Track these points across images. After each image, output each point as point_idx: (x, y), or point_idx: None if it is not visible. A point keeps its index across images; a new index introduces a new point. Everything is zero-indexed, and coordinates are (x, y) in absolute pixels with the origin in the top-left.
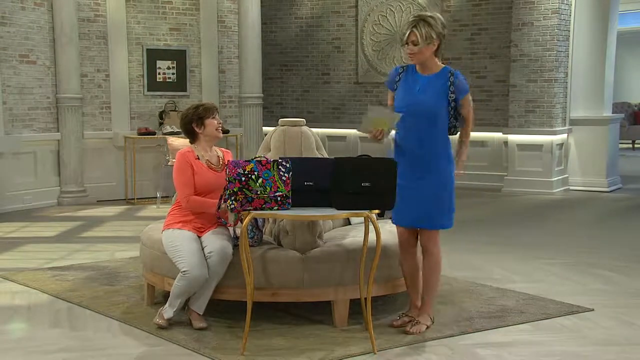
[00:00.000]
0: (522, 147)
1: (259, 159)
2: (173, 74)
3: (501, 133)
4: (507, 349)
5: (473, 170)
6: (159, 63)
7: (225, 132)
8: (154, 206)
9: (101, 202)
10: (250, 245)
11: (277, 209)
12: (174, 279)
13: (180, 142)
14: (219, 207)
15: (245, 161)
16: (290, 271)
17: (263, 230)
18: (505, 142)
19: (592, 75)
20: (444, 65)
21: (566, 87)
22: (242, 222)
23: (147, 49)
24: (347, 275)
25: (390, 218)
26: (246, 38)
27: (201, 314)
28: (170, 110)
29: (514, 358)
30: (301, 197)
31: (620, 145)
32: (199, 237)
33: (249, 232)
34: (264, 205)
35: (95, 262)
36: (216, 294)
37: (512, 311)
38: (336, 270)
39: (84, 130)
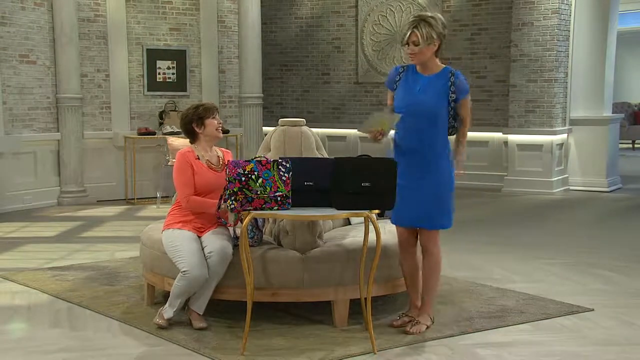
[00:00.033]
0: (522, 147)
1: (259, 159)
2: (173, 74)
3: (501, 133)
4: (507, 349)
5: (473, 170)
6: (159, 63)
7: (225, 132)
8: (154, 206)
9: (101, 202)
10: (250, 245)
11: (277, 209)
12: (174, 279)
13: (180, 142)
14: (219, 207)
15: (245, 161)
16: (290, 271)
17: (263, 230)
18: (505, 142)
19: (592, 75)
20: (444, 66)
21: (566, 87)
22: (242, 222)
23: (147, 49)
24: (347, 275)
25: (390, 218)
26: (246, 38)
27: (201, 314)
28: (170, 110)
29: (514, 358)
30: (301, 197)
31: (620, 145)
32: (199, 237)
33: (249, 232)
34: (264, 205)
35: (95, 262)
36: (216, 294)
37: (512, 311)
38: (336, 270)
39: (84, 130)
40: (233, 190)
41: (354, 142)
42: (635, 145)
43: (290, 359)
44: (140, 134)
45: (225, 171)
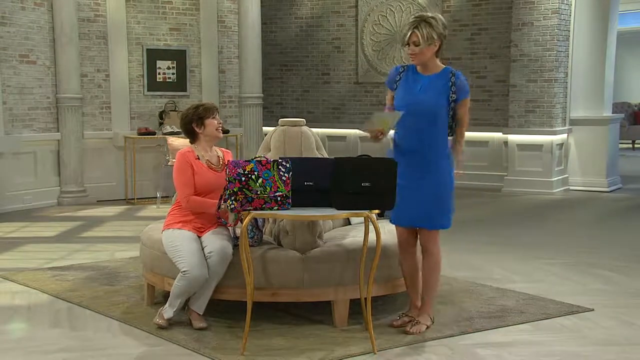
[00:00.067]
0: (522, 147)
1: (259, 159)
2: (173, 74)
3: (501, 133)
4: (507, 349)
5: (473, 170)
6: (159, 63)
7: (225, 132)
8: (154, 206)
9: (101, 202)
10: (250, 245)
11: (277, 209)
12: (174, 279)
13: (180, 142)
14: (219, 207)
15: (245, 161)
16: (290, 271)
17: (263, 230)
18: (505, 142)
19: (592, 75)
20: (444, 66)
21: (566, 87)
22: (242, 222)
23: (147, 49)
24: (347, 275)
25: (389, 218)
26: (246, 38)
27: (201, 314)
28: (170, 110)
29: (514, 358)
30: (301, 197)
31: (620, 145)
32: (199, 237)
33: (249, 232)
34: (264, 205)
35: (95, 262)
36: (216, 294)
37: (512, 311)
38: (336, 270)
39: (84, 130)
40: (233, 190)
41: (354, 142)
42: (635, 145)
43: (290, 359)
44: (140, 134)
45: (225, 171)
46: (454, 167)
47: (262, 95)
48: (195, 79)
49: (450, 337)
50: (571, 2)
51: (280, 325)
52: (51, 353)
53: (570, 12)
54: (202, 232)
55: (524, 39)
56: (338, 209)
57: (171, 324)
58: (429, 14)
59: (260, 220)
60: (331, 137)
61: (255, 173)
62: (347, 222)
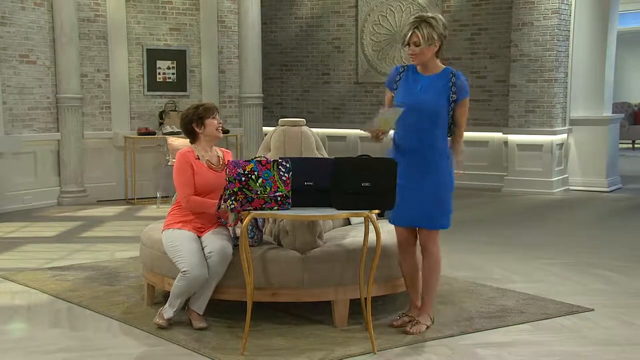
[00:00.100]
0: (522, 147)
1: (259, 159)
2: (173, 74)
3: (501, 133)
4: (507, 349)
5: (473, 170)
6: (159, 63)
7: (225, 132)
8: (154, 206)
9: (101, 202)
10: (250, 245)
11: (277, 209)
12: (174, 279)
13: (180, 142)
14: (219, 207)
15: (245, 161)
16: (290, 271)
17: (263, 230)
18: (505, 142)
19: (592, 75)
20: (445, 66)
21: (566, 87)
22: (242, 222)
23: (147, 49)
24: (347, 275)
25: (389, 218)
26: (246, 38)
27: (201, 314)
28: (170, 110)
29: (514, 358)
30: (301, 197)
31: (620, 145)
32: (199, 237)
33: (249, 232)
34: (264, 205)
35: (95, 262)
36: (216, 294)
37: (512, 311)
38: (336, 270)
39: (84, 130)
40: (233, 190)
41: (354, 142)
42: (635, 145)
43: (290, 359)
44: (140, 134)
45: (225, 171)
46: (454, 167)
47: (262, 95)
48: (195, 79)
49: (450, 337)
50: (571, 2)
51: (280, 325)
52: (51, 353)
53: (570, 12)
54: (202, 232)
55: (524, 39)
56: (338, 209)
57: (171, 324)
58: (429, 14)
59: (260, 220)
60: (331, 137)
61: (255, 173)
62: (347, 222)
